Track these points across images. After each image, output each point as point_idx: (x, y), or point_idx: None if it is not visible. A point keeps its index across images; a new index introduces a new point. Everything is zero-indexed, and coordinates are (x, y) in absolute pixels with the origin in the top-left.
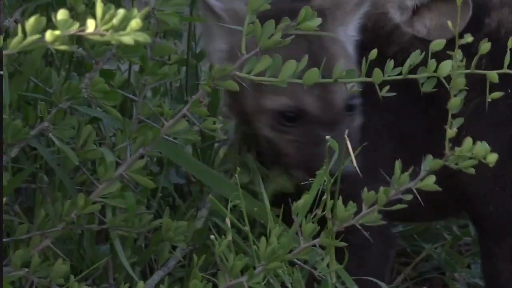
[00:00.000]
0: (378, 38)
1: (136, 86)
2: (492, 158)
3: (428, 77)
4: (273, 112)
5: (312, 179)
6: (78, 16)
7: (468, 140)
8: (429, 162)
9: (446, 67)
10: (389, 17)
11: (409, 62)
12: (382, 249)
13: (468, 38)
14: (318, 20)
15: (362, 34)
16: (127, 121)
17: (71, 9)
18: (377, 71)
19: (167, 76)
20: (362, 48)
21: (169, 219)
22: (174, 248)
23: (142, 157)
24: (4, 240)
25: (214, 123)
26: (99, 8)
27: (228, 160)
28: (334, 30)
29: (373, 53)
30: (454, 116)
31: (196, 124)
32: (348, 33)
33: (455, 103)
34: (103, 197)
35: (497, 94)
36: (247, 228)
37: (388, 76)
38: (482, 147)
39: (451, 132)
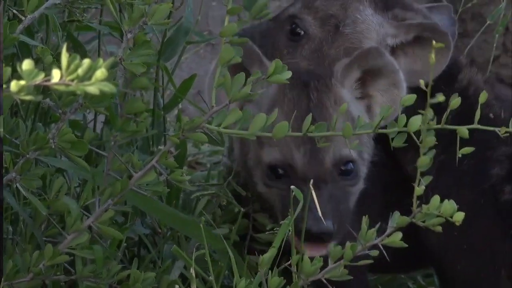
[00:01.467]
0: None
1: (105, 140)
2: (459, 217)
3: (399, 132)
4: (266, 165)
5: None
6: (46, 67)
7: (436, 198)
8: (396, 219)
9: (416, 122)
10: None
11: (380, 117)
12: None
13: (440, 97)
14: (288, 73)
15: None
16: (96, 173)
17: (37, 60)
18: (348, 126)
19: (137, 134)
20: None
21: (137, 271)
22: None
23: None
24: None
25: (182, 174)
26: (64, 58)
27: (210, 210)
28: (340, 91)
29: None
30: (423, 174)
31: (164, 174)
32: (353, 95)
33: (424, 161)
34: (71, 248)
35: (467, 150)
36: (211, 278)
37: (358, 130)
38: (449, 205)
39: (419, 189)
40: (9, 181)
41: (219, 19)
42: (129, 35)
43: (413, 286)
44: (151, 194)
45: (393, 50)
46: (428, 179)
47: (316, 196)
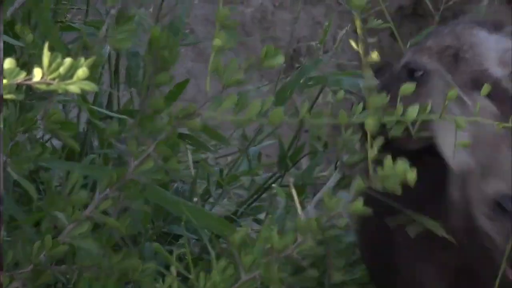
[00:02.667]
0: None
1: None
2: (412, 175)
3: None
4: (490, 198)
5: None
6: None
7: (388, 159)
8: (356, 184)
9: (413, 112)
10: (488, 74)
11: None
12: None
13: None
14: (281, 58)
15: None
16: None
17: (24, 64)
18: (342, 112)
19: (160, 131)
20: None
21: (138, 260)
22: None
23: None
24: None
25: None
26: (45, 56)
27: None
28: None
29: None
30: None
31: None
32: None
33: (371, 122)
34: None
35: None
36: (192, 276)
37: (356, 118)
38: (402, 164)
39: (372, 151)
40: None
41: (201, 18)
42: (112, 11)
43: None
44: (151, 182)
45: None
46: (380, 140)
47: None
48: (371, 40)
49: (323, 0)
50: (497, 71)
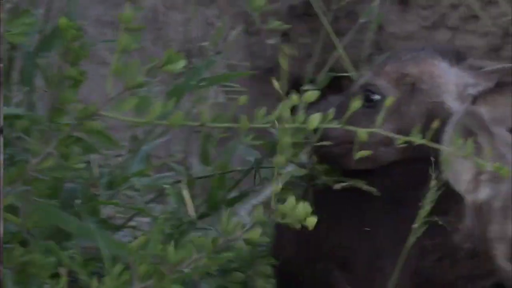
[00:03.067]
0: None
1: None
2: (311, 221)
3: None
4: None
5: None
6: None
7: (291, 199)
8: (256, 214)
9: (315, 119)
10: (445, 107)
11: (277, 112)
12: None
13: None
14: (182, 63)
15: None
16: None
17: None
18: (243, 118)
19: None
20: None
21: (39, 254)
22: None
23: None
24: None
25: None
26: None
27: None
28: None
29: None
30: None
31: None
32: None
33: (280, 160)
34: None
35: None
36: (83, 277)
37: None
38: (303, 208)
39: (277, 188)
40: None
41: (93, 19)
42: (7, 5)
43: None
44: (50, 179)
45: (476, 100)
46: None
47: None
48: (270, 41)
49: (215, 1)
50: (454, 105)
